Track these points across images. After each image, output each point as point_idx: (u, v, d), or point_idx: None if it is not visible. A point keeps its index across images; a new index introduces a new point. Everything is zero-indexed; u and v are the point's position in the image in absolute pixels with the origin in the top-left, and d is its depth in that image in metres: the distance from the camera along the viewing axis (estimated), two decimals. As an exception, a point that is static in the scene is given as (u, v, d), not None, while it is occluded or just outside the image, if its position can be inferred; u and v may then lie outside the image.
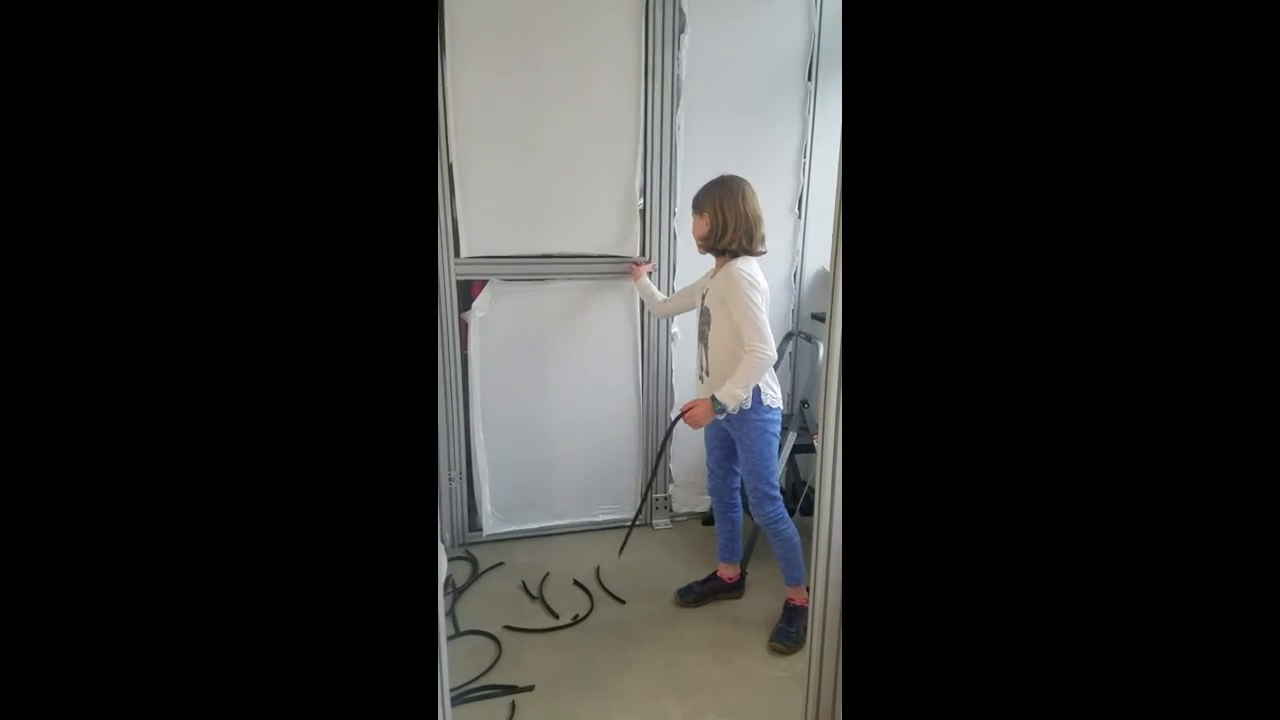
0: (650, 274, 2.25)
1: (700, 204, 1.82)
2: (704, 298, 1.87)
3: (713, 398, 1.74)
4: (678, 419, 1.84)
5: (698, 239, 1.85)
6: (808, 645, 1.35)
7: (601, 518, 2.47)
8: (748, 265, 1.77)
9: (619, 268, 2.27)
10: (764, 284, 1.76)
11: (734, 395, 1.72)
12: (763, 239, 1.80)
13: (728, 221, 1.76)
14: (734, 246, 1.77)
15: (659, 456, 2.32)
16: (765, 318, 1.72)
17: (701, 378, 1.89)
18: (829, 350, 1.18)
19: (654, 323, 2.34)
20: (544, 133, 2.11)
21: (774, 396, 1.82)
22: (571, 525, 2.44)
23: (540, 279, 2.24)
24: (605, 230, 2.25)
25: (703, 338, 1.87)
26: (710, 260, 1.88)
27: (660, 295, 2.21)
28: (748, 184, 1.79)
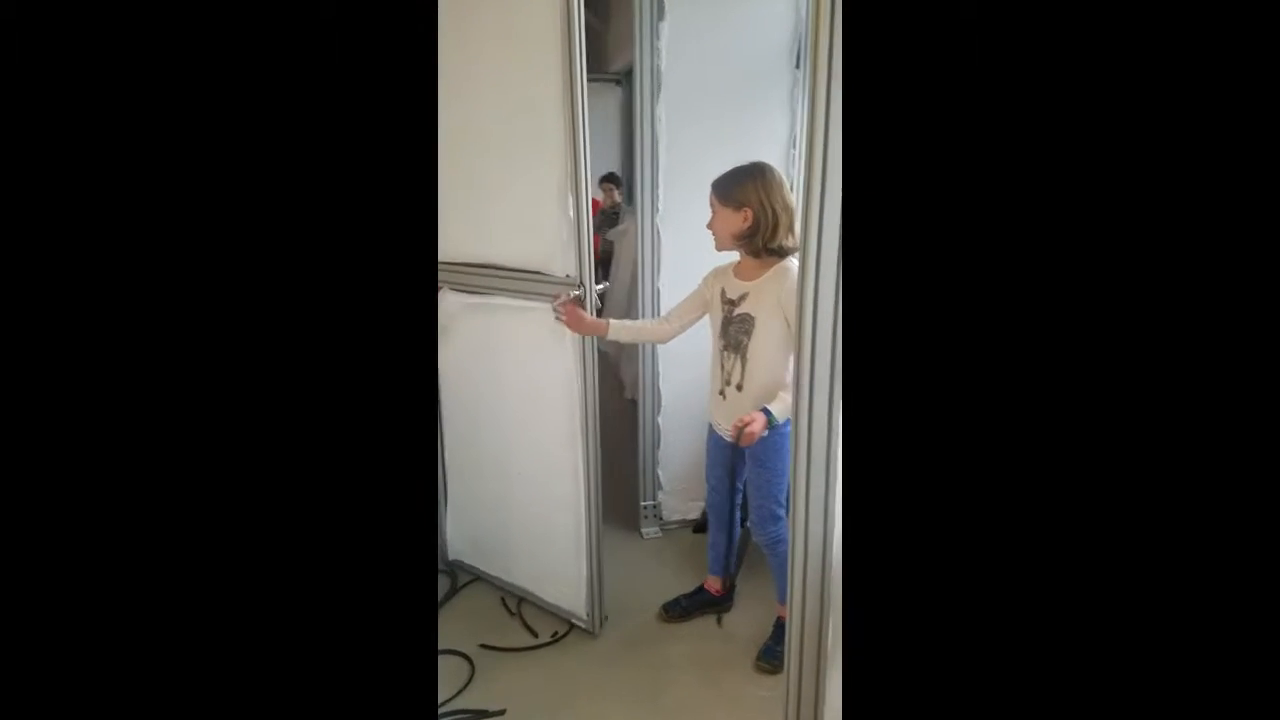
0: (580, 301, 1.66)
1: (736, 196, 1.58)
2: (737, 302, 1.63)
3: (766, 412, 1.54)
4: (736, 440, 1.59)
5: (730, 236, 1.61)
6: (785, 658, 1.25)
7: (551, 601, 1.95)
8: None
9: (563, 289, 1.68)
10: None
11: (790, 410, 1.57)
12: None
13: (778, 216, 1.56)
14: (784, 244, 1.58)
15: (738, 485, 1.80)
16: None
17: (724, 392, 1.67)
18: (798, 345, 1.10)
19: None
20: (475, 130, 1.77)
21: None
22: (531, 596, 1.99)
23: (482, 292, 1.84)
24: (537, 242, 1.71)
25: (738, 347, 1.63)
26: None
27: (649, 321, 1.91)
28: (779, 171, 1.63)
